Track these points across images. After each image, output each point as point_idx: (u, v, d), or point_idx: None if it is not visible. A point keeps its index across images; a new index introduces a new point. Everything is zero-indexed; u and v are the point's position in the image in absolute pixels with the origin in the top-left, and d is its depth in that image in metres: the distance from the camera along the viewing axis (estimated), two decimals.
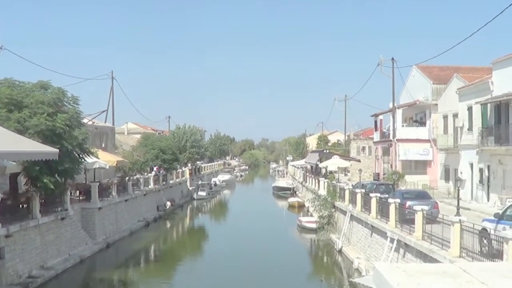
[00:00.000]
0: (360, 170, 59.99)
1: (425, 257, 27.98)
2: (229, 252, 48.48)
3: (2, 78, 38.29)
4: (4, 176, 36.40)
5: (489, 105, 44.11)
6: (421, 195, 39.59)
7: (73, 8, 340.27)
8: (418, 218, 30.04)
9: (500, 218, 24.59)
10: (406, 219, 33.39)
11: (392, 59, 65.18)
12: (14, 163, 30.79)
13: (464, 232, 24.73)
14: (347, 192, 49.60)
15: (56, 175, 35.47)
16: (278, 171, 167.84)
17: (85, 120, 43.52)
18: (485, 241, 23.96)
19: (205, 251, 51.58)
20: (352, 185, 54.06)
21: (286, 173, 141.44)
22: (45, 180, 33.90)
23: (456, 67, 63.35)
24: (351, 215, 45.80)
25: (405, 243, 31.48)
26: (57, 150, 29.33)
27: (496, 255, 22.18)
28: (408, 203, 35.17)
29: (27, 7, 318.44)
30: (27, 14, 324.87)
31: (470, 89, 49.39)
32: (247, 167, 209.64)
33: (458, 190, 36.60)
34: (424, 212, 30.06)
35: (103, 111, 70.56)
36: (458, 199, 36.17)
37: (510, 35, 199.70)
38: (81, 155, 38.47)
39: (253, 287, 36.58)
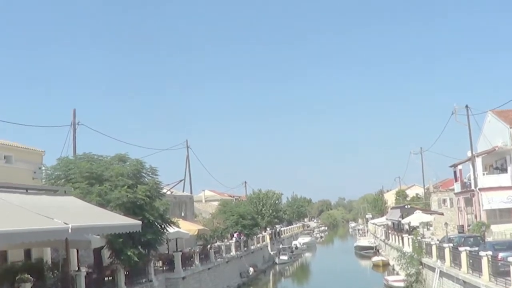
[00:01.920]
0: (446, 224, 58.08)
1: None
2: None
3: (81, 153, 38.99)
4: (88, 250, 36.56)
5: None
6: None
7: (148, 80, 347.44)
8: None
9: None
10: (500, 272, 31.80)
11: (466, 106, 63.80)
12: (98, 236, 30.82)
13: None
14: (434, 248, 47.89)
15: (139, 247, 35.37)
16: (358, 230, 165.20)
17: (163, 190, 43.52)
18: None
19: None
20: (438, 240, 52.26)
21: (367, 231, 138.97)
22: (129, 253, 33.81)
23: None
24: (440, 271, 44.19)
25: None
26: (140, 222, 29.28)
27: None
28: (501, 254, 33.67)
29: (99, 86, 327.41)
30: (98, 92, 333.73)
31: None
32: (326, 228, 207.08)
33: None
34: None
35: (181, 180, 71.08)
36: None
37: None
38: (163, 226, 38.37)
39: None
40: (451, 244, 43.95)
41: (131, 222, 28.72)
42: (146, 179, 37.77)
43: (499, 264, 32.26)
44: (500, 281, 31.06)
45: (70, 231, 22.15)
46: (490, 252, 33.91)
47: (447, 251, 42.86)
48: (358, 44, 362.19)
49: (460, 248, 39.97)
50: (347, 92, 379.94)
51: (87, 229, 24.95)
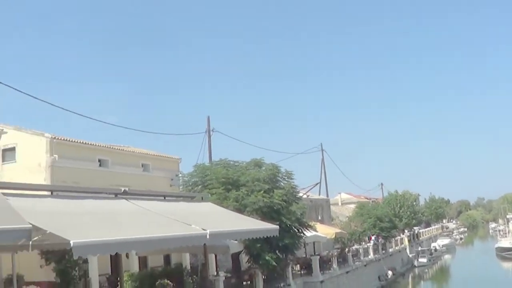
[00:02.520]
0: None
1: None
2: None
3: (217, 159, 39.02)
4: (226, 255, 36.39)
5: None
6: None
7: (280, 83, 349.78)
8: None
9: None
10: None
11: None
12: (236, 241, 30.48)
13: None
14: None
15: (277, 251, 34.79)
16: (498, 231, 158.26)
17: (299, 194, 42.82)
18: None
19: None
20: None
21: (508, 232, 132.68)
22: (267, 257, 33.34)
23: None
24: None
25: None
26: (277, 227, 28.69)
27: None
28: None
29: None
30: (230, 98, 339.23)
31: None
32: (465, 229, 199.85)
33: None
34: None
35: (316, 184, 70.48)
36: None
37: None
38: (300, 230, 37.63)
39: None
40: None
41: (268, 227, 28.20)
42: (282, 183, 37.26)
43: None
44: None
45: (208, 236, 21.88)
46: None
47: None
48: None
49: None
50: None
51: (225, 234, 24.60)
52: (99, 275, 30.00)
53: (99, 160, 36.02)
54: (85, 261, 21.40)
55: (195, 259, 39.82)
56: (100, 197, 23.06)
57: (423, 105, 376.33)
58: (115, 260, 31.42)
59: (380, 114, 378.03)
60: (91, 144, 36.20)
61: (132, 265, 32.45)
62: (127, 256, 28.26)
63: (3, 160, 33.39)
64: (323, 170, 75.99)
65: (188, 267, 36.71)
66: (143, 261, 35.66)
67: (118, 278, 27.83)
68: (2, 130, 30.54)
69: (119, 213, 21.39)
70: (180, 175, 39.31)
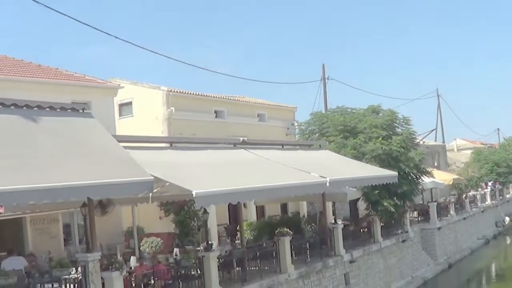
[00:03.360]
0: None
1: None
2: None
3: (334, 107, 37.98)
4: (343, 203, 35.62)
5: None
6: None
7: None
8: None
9: None
10: None
11: None
12: (354, 189, 29.67)
13: None
14: None
15: (395, 198, 33.60)
16: None
17: (416, 140, 41.19)
18: None
19: None
20: None
21: None
22: (385, 204, 32.25)
23: None
24: None
25: None
26: (396, 173, 27.77)
27: None
28: None
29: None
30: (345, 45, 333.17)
31: None
32: None
33: None
34: None
35: (432, 130, 68.19)
36: None
37: None
38: (418, 176, 36.18)
39: None
40: None
41: (387, 174, 27.40)
42: (400, 130, 35.86)
43: None
44: None
45: (328, 184, 21.27)
46: None
47: None
48: None
49: None
50: None
51: (344, 181, 23.98)
52: (218, 225, 29.98)
53: (215, 112, 35.76)
54: (205, 212, 21.04)
55: (312, 207, 39.36)
56: (219, 148, 22.71)
57: None
58: (234, 210, 31.43)
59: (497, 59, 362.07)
60: (206, 95, 35.95)
61: (250, 215, 32.29)
62: (245, 205, 27.95)
63: (120, 115, 33.57)
64: (439, 116, 73.32)
65: (305, 215, 36.28)
66: (260, 210, 35.49)
67: (237, 227, 27.72)
68: (119, 85, 30.53)
69: (239, 162, 20.96)
70: (296, 124, 38.63)
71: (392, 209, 32.99)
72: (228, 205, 29.64)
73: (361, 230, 32.86)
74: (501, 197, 69.24)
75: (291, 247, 23.74)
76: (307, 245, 26.54)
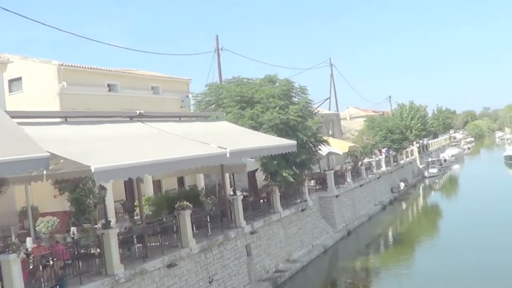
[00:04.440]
0: None
1: None
2: (472, 230, 43.78)
3: (230, 77, 38.07)
4: (240, 174, 36.02)
5: None
6: None
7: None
8: None
9: None
10: None
11: None
12: (252, 159, 30.04)
13: None
14: None
15: (294, 167, 34.32)
16: (506, 139, 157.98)
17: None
18: None
19: (445, 231, 47.29)
20: None
21: None
22: (284, 174, 32.94)
23: None
24: None
25: None
26: (295, 142, 28.27)
27: None
28: None
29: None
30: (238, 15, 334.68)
31: None
32: (472, 139, 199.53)
33: None
34: None
35: (326, 99, 69.75)
36: None
37: None
38: (316, 145, 37.05)
39: (504, 267, 31.78)
40: None
41: (287, 143, 27.86)
42: (297, 99, 36.48)
43: None
44: None
45: (228, 155, 21.46)
46: None
47: None
48: None
49: None
50: None
51: (244, 152, 24.22)
52: (114, 202, 29.68)
53: (108, 85, 35.17)
54: (103, 188, 20.83)
55: (209, 179, 39.59)
56: (115, 121, 22.43)
57: (431, 22, 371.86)
58: (130, 185, 31.19)
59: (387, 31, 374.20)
60: (99, 69, 35.28)
61: (147, 190, 32.09)
62: (141, 180, 27.79)
63: (10, 91, 32.41)
64: (332, 85, 75.07)
65: (204, 188, 36.46)
66: (157, 185, 35.34)
67: (135, 203, 27.59)
68: (8, 59, 29.45)
69: (136, 136, 20.84)
70: (191, 95, 38.56)
71: (291, 179, 33.72)
72: (125, 181, 29.43)
73: (261, 201, 33.36)
74: (395, 163, 71.88)
75: (191, 220, 23.94)
76: (208, 218, 26.87)
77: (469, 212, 53.50)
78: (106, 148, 17.81)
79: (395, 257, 38.04)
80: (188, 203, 23.92)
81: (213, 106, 34.95)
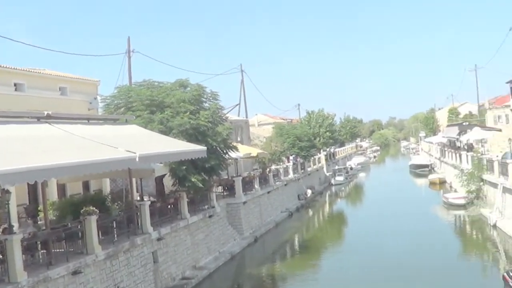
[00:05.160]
0: (510, 140, 55.77)
1: None
2: (373, 235, 46.29)
3: (141, 80, 37.83)
4: (147, 179, 35.83)
5: None
6: None
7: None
8: None
9: None
10: None
11: None
12: (161, 165, 29.98)
13: None
14: (496, 164, 46.09)
15: (203, 173, 34.47)
16: (411, 148, 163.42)
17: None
18: None
19: (349, 237, 49.63)
20: (498, 156, 50.27)
21: (421, 149, 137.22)
22: (193, 179, 33.03)
23: None
24: (503, 187, 42.71)
25: None
26: (205, 148, 28.41)
27: None
28: None
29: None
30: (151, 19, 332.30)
31: None
32: (378, 148, 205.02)
33: None
34: None
35: (236, 105, 70.21)
36: None
37: None
38: (225, 151, 37.33)
39: (404, 268, 33.92)
40: None
41: (197, 148, 27.99)
42: (207, 104, 36.65)
43: None
44: None
45: (137, 159, 21.36)
46: None
47: (510, 167, 41.33)
48: None
49: None
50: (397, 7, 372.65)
51: (154, 157, 24.20)
52: (17, 206, 28.96)
53: (15, 84, 34.31)
54: (7, 191, 20.38)
55: (115, 184, 39.14)
56: (22, 122, 21.94)
57: (340, 26, 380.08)
58: (33, 189, 30.50)
59: (299, 36, 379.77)
60: (4, 67, 34.35)
61: (51, 194, 31.47)
62: (46, 184, 27.25)
63: None
64: (242, 91, 75.59)
65: (109, 192, 36.02)
66: (61, 189, 34.69)
67: (38, 207, 27.01)
68: None
69: (43, 138, 20.47)
70: (100, 98, 38.06)
71: (200, 185, 33.85)
72: (28, 184, 28.79)
73: (168, 207, 33.33)
74: (302, 171, 73.05)
75: (97, 226, 23.70)
76: (114, 224, 26.65)
77: (372, 218, 56.16)
78: (11, 150, 17.43)
79: (301, 263, 38.90)
80: (94, 208, 23.68)
81: (122, 109, 34.57)
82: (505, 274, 26.16)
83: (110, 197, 31.79)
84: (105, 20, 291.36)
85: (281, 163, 67.48)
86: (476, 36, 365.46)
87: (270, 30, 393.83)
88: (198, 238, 35.35)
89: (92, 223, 23.04)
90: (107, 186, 38.36)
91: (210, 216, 37.89)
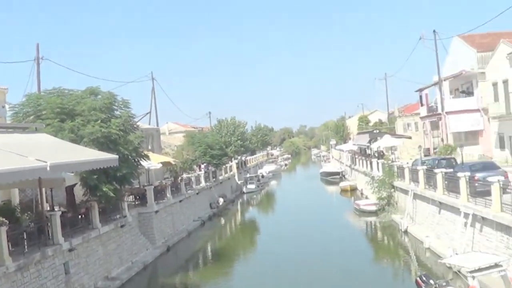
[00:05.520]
0: (420, 147, 57.89)
1: (508, 230, 26.56)
2: (285, 242, 47.47)
3: (51, 88, 37.31)
4: (57, 188, 35.40)
5: None
6: (489, 166, 38.09)
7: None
8: (495, 190, 28.26)
9: None
10: (477, 192, 31.89)
11: (434, 31, 63.71)
12: (72, 174, 29.77)
13: None
14: (406, 171, 47.77)
15: (114, 182, 34.37)
16: (322, 156, 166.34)
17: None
18: None
19: (261, 244, 50.68)
20: (407, 163, 52.17)
21: (332, 157, 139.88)
22: (104, 189, 32.89)
23: (498, 33, 60.65)
24: (413, 193, 44.30)
25: (482, 217, 29.74)
26: (117, 157, 28.35)
27: None
28: (478, 175, 33.70)
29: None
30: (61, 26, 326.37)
31: None
32: (289, 156, 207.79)
33: None
34: (501, 182, 28.27)
35: (147, 113, 70.03)
36: None
37: None
38: (137, 160, 37.33)
39: (316, 274, 35.04)
40: (425, 167, 43.77)
41: (108, 157, 27.87)
42: (119, 112, 36.49)
43: (476, 184, 32.53)
44: (480, 201, 30.94)
45: (48, 169, 21.18)
46: (468, 173, 33.72)
47: (421, 174, 42.81)
48: None
49: (436, 170, 39.85)
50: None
51: (65, 166, 23.96)
52: None
53: None
54: None
55: (24, 194, 38.42)
56: None
57: (250, 35, 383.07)
58: None
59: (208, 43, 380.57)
60: None
61: None
62: None
63: None
64: (153, 99, 75.44)
65: (18, 203, 35.38)
66: None
67: None
68: None
69: None
70: (8, 106, 37.30)
71: (112, 194, 33.74)
72: None
73: (80, 217, 33.10)
74: (214, 179, 73.43)
75: (7, 238, 23.45)
76: (24, 235, 26.36)
77: (284, 226, 57.44)
78: None
79: (214, 271, 39.36)
80: (3, 219, 23.41)
81: (31, 117, 33.97)
82: (418, 278, 27.04)
83: (19, 208, 31.37)
84: (15, 27, 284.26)
85: (192, 172, 67.69)
86: (387, 46, 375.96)
87: (181, 37, 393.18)
88: (110, 248, 35.22)
89: (1, 234, 22.80)
90: (16, 197, 37.58)
91: (122, 226, 37.80)
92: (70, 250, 29.15)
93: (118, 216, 38.15)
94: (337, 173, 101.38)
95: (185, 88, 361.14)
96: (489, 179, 29.44)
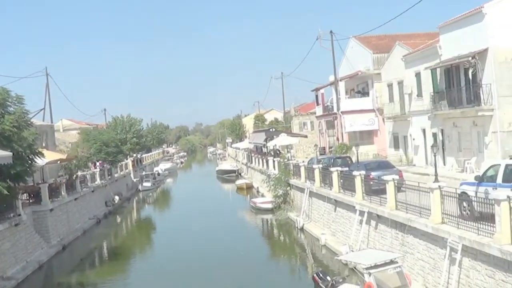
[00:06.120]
0: (316, 146, 59.25)
1: (402, 227, 27.60)
2: (180, 239, 48.46)
3: None
4: None
5: (438, 69, 43.64)
6: (384, 165, 39.28)
7: None
8: (390, 188, 29.46)
9: (480, 180, 24.12)
10: (373, 190, 33.10)
11: (331, 32, 64.73)
12: None
13: (445, 198, 24.37)
14: (302, 169, 48.88)
15: (8, 180, 33.68)
16: (218, 154, 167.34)
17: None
18: (465, 205, 23.53)
19: (157, 241, 51.13)
20: (303, 161, 53.43)
21: (228, 155, 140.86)
22: None
23: (393, 35, 63.08)
24: (309, 191, 45.34)
25: (377, 215, 30.92)
26: (11, 154, 27.91)
27: (478, 218, 21.78)
28: (373, 173, 34.98)
29: None
30: None
31: (417, 55, 48.80)
32: (185, 154, 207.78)
33: (435, 156, 35.38)
34: (395, 181, 29.54)
35: (41, 109, 68.56)
36: (436, 165, 35.01)
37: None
38: (31, 157, 36.67)
39: (213, 273, 35.41)
40: (320, 165, 44.95)
41: (1, 154, 27.41)
42: (12, 109, 35.72)
43: (371, 183, 33.73)
44: (375, 199, 32.17)
45: None
46: (363, 172, 34.94)
47: (316, 172, 43.89)
48: None
49: (332, 169, 41.00)
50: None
51: None
52: None
53: None
54: None
55: None
56: None
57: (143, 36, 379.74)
58: None
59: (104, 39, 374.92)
60: None
61: None
62: None
63: None
64: (47, 95, 73.86)
65: None
66: None
67: None
68: None
69: None
70: None
71: (5, 192, 33.05)
72: None
73: None
74: (110, 177, 72.77)
75: None
76: None
77: (180, 223, 58.81)
78: None
79: (111, 268, 39.43)
80: None
81: None
82: (315, 275, 27.62)
83: None
84: None
85: (88, 169, 66.83)
86: (283, 46, 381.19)
87: (74, 30, 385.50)
88: (4, 247, 34.53)
89: None
90: None
91: (16, 225, 37.04)
92: None
93: (12, 214, 37.27)
94: (233, 171, 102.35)
95: (80, 84, 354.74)
96: (384, 177, 30.47)
